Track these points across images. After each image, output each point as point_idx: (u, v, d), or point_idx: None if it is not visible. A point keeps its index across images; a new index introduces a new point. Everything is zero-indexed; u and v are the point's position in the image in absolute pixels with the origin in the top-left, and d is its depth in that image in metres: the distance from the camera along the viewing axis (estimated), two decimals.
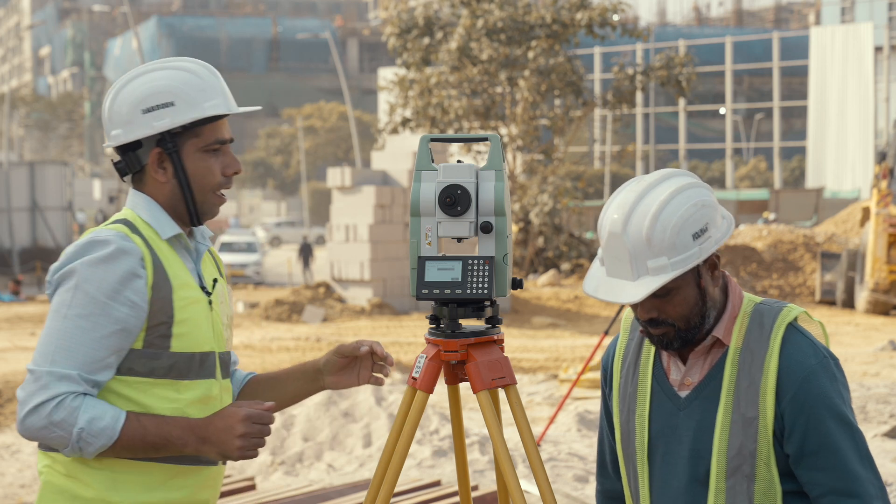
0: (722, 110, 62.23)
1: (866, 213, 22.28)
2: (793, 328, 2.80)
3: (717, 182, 65.82)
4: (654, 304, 2.74)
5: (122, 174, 2.98)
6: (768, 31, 69.23)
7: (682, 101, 39.76)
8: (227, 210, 63.44)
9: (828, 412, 2.73)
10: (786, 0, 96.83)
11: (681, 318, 2.75)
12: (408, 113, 28.56)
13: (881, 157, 21.58)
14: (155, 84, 2.92)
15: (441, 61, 28.10)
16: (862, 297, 21.89)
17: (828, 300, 24.46)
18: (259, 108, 3.09)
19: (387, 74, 38.66)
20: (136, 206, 2.96)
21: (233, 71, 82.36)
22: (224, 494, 7.24)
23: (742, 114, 65.76)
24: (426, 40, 28.32)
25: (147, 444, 2.83)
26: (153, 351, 2.88)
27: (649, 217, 2.68)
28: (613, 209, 2.72)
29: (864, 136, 47.34)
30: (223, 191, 3.00)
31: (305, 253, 37.60)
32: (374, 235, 22.05)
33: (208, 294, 2.99)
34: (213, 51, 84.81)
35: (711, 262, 2.77)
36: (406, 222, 22.01)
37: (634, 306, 2.78)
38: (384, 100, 30.63)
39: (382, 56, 75.90)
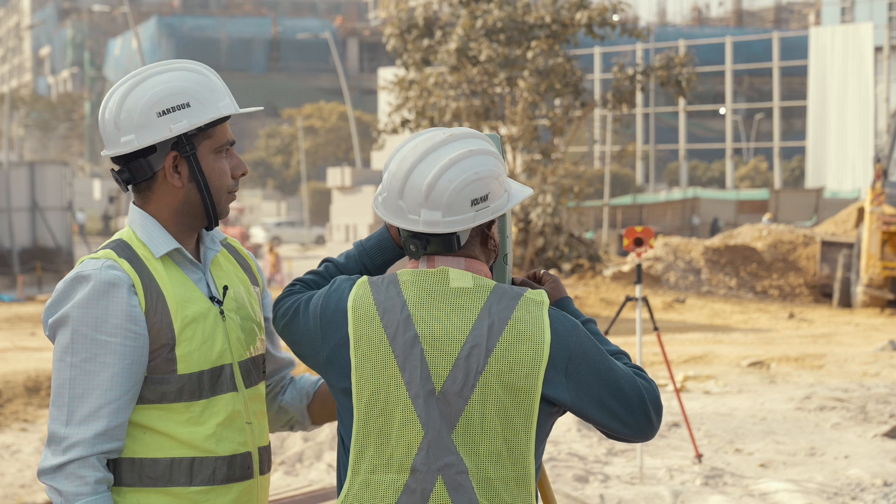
0: (722, 110, 62.26)
1: (861, 213, 22.98)
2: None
3: (717, 182, 65.88)
4: None
5: (126, 183, 2.83)
6: (768, 31, 69.30)
7: (682, 101, 39.76)
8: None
9: None
10: (786, 0, 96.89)
11: None
12: (407, 114, 28.55)
13: (877, 159, 22.17)
14: (168, 85, 2.79)
15: (441, 62, 28.08)
16: (857, 292, 22.59)
17: (826, 292, 25.42)
18: (261, 108, 3.03)
19: (387, 75, 38.65)
20: (134, 222, 2.85)
21: (233, 71, 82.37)
22: None
23: (742, 114, 65.80)
24: (426, 41, 28.31)
25: None
26: (160, 376, 2.78)
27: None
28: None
29: (864, 136, 47.37)
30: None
31: None
32: None
33: (219, 303, 2.87)
34: (213, 51, 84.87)
35: None
36: None
37: None
38: (385, 100, 30.58)
39: (382, 56, 75.92)
